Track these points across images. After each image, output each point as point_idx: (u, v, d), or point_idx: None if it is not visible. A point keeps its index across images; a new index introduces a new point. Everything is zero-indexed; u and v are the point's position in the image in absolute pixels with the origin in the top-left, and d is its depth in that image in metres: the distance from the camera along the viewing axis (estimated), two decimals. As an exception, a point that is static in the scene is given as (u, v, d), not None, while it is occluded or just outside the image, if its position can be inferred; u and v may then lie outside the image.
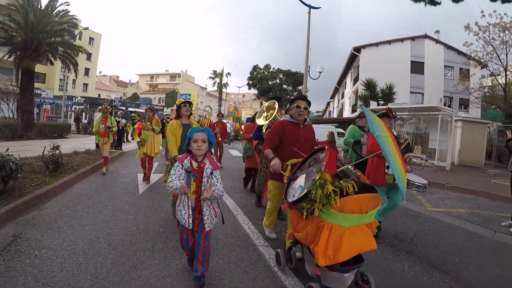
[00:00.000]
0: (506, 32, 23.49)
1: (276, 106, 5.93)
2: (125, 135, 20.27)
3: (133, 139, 26.03)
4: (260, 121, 6.12)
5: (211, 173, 3.25)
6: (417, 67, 33.92)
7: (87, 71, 54.84)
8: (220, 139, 11.89)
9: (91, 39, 55.37)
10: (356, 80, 34.98)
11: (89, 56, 52.87)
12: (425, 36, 35.03)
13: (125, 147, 17.66)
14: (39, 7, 18.21)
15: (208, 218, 3.24)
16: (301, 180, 3.41)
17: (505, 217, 6.87)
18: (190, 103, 5.98)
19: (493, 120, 20.38)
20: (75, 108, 40.37)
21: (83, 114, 35.19)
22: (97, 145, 13.54)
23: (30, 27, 17.30)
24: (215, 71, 61.35)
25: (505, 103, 23.57)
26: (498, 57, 24.30)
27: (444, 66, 34.73)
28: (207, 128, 3.29)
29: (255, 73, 55.37)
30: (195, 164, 3.26)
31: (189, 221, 3.16)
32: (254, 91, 57.80)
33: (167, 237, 4.79)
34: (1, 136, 16.31)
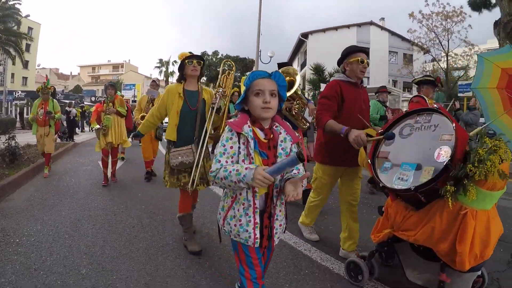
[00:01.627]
0: (448, 20, 25.13)
1: (298, 77, 4.60)
2: (77, 125, 19.68)
3: (89, 127, 25.04)
4: None
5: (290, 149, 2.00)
6: (363, 52, 34.97)
7: (26, 64, 51.72)
8: None
9: (30, 29, 51.97)
10: (303, 65, 35.60)
11: (28, 47, 49.62)
12: (371, 23, 36.44)
13: (78, 138, 16.98)
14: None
15: (280, 226, 2.02)
16: (401, 158, 2.52)
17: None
18: (201, 59, 3.82)
19: (435, 101, 21.60)
20: (16, 104, 38.27)
21: (25, 109, 33.55)
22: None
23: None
24: (161, 60, 60.26)
25: (446, 86, 25.08)
26: (440, 43, 26.06)
27: (389, 51, 36.47)
28: (277, 73, 1.97)
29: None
30: (260, 135, 1.93)
31: (255, 234, 1.87)
32: (203, 78, 57.47)
33: (152, 212, 4.89)
34: None
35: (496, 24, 10.97)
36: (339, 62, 3.55)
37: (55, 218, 4.49)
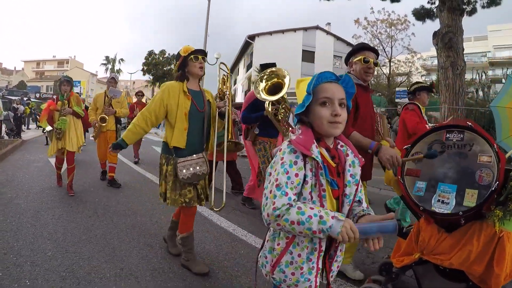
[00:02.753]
0: (393, 27, 26.56)
1: (287, 79, 4.44)
2: (24, 121, 19.28)
3: (36, 124, 24.26)
4: (262, 95, 4.49)
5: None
6: (308, 56, 36.56)
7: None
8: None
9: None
10: (249, 66, 36.49)
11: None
12: (317, 28, 37.72)
13: (25, 135, 16.74)
14: None
15: (337, 267, 1.70)
16: (435, 177, 2.38)
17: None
18: (204, 54, 3.35)
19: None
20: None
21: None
22: None
23: None
24: (107, 57, 59.03)
25: (388, 91, 26.62)
26: (384, 49, 27.42)
27: (334, 55, 37.88)
28: (346, 76, 1.58)
29: (150, 58, 54.24)
30: (329, 158, 1.54)
31: (316, 282, 1.55)
32: (148, 77, 56.58)
33: (105, 204, 5.41)
34: None
35: (435, 34, 11.62)
36: (346, 61, 3.25)
37: (15, 210, 4.83)
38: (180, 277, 3.12)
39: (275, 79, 4.55)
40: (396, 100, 17.70)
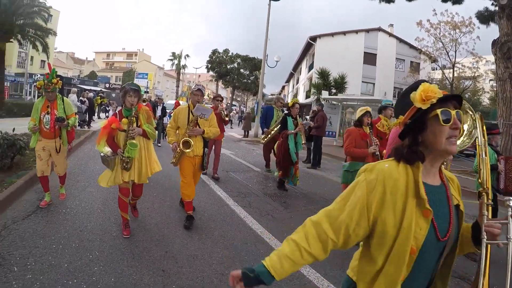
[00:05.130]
0: (456, 30, 25.42)
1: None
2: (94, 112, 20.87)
3: (105, 114, 25.82)
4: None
5: None
6: (369, 58, 36.07)
7: (43, 49, 53.30)
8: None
9: (49, 16, 53.84)
10: (311, 67, 36.58)
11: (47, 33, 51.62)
12: (379, 29, 37.16)
13: (95, 125, 17.88)
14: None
15: None
16: None
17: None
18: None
19: None
20: (35, 86, 39.82)
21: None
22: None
23: (2, 9, 17.64)
24: (174, 53, 61.67)
25: None
26: (447, 53, 26.36)
27: (396, 58, 37.08)
28: None
29: (214, 56, 56.43)
30: None
31: None
32: (211, 73, 58.76)
33: (161, 199, 6.26)
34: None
35: (494, 43, 11.09)
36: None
37: (88, 197, 5.99)
38: (207, 263, 4.00)
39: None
40: None
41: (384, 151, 5.02)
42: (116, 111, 4.67)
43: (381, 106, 6.14)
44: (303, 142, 7.91)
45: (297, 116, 7.81)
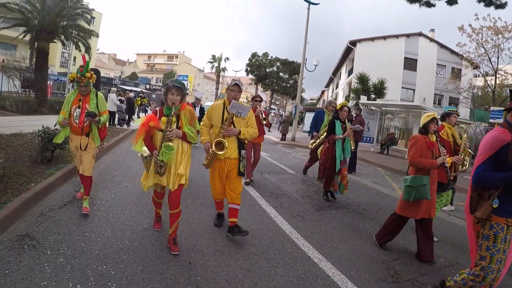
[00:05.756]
0: (499, 35, 24.42)
1: None
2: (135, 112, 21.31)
3: (145, 114, 26.65)
4: None
5: None
6: (410, 64, 35.26)
7: (86, 50, 55.16)
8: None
9: (92, 18, 55.78)
10: (350, 72, 36.17)
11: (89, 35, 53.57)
12: (420, 34, 36.24)
13: (135, 124, 18.28)
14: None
15: None
16: None
17: (461, 206, 8.34)
18: None
19: (480, 121, 21.46)
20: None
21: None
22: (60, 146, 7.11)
23: (47, 11, 18.37)
24: (214, 56, 62.56)
25: (493, 105, 24.73)
26: (489, 59, 25.37)
27: (437, 64, 36.09)
28: None
29: (253, 60, 56.81)
30: None
31: None
32: (251, 76, 59.23)
33: (194, 195, 6.47)
34: (17, 110, 17.62)
35: None
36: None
37: (123, 191, 6.16)
38: (234, 259, 4.03)
39: None
40: (490, 121, 16.48)
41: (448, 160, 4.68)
42: (157, 108, 4.27)
43: (445, 113, 5.80)
44: (352, 148, 7.21)
45: (346, 120, 7.14)
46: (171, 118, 3.96)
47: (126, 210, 5.21)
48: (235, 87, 4.63)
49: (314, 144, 9.15)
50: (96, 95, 5.13)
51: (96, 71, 5.89)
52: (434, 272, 4.36)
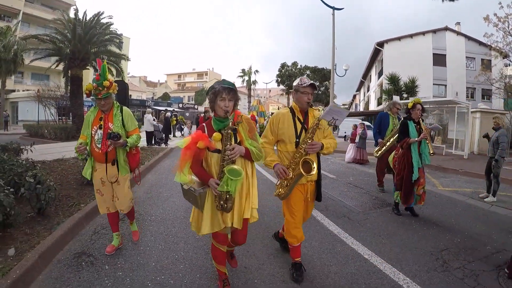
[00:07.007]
0: None
1: None
2: (171, 131, 21.75)
3: (181, 133, 26.02)
4: None
5: None
6: (439, 59, 34.63)
7: (118, 74, 56.77)
8: None
9: (120, 42, 57.47)
10: (380, 74, 36.07)
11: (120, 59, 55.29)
12: (446, 29, 35.60)
13: (172, 143, 18.89)
14: (85, 20, 20.09)
15: None
16: None
17: (503, 195, 8.21)
18: None
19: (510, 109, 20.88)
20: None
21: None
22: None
23: (78, 39, 19.14)
24: (243, 69, 63.31)
25: None
26: None
27: (466, 57, 35.16)
28: None
29: (283, 70, 57.28)
30: None
31: None
32: (281, 87, 59.54)
33: None
34: (56, 137, 18.44)
35: None
36: None
37: (171, 206, 6.38)
38: (287, 261, 4.10)
39: None
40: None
41: None
42: (203, 124, 3.19)
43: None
44: (431, 152, 6.14)
45: (420, 120, 6.17)
46: (228, 132, 2.97)
47: (177, 224, 5.41)
48: (309, 89, 3.58)
49: (380, 152, 8.16)
50: (121, 111, 4.15)
51: (122, 82, 4.89)
52: (482, 259, 4.38)
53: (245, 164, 3.11)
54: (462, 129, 16.39)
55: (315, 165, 3.43)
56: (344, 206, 6.79)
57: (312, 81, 3.58)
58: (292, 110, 3.71)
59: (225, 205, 2.92)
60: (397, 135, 6.85)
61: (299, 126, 3.60)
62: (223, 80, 3.13)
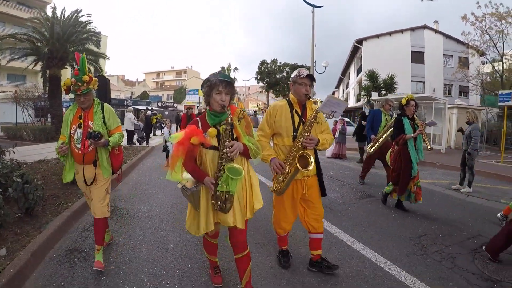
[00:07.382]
0: (502, 21, 24.48)
1: None
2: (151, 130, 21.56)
3: (161, 131, 24.59)
4: None
5: None
6: (417, 57, 35.49)
7: (96, 73, 55.66)
8: None
9: (98, 41, 56.61)
10: (359, 70, 36.71)
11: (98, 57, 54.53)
12: (425, 27, 36.41)
13: (152, 142, 18.99)
14: (63, 18, 19.72)
15: None
16: None
17: (478, 186, 8.56)
18: None
19: (491, 106, 21.49)
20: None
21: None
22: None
23: (56, 38, 18.73)
24: (222, 67, 63.00)
25: (502, 90, 24.59)
26: (495, 45, 25.37)
27: (444, 55, 36.16)
28: None
29: (262, 67, 57.18)
30: None
31: None
32: (261, 84, 59.51)
33: None
34: (35, 139, 18.16)
35: None
36: None
37: (157, 202, 6.48)
38: (275, 249, 4.28)
39: None
40: (499, 104, 16.33)
41: None
42: (197, 118, 3.04)
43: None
44: (428, 147, 6.40)
45: (414, 116, 6.25)
46: (227, 128, 2.79)
47: (164, 218, 5.52)
48: (307, 80, 3.48)
49: (373, 148, 8.09)
50: (102, 108, 3.85)
51: (102, 78, 4.62)
52: (458, 243, 4.68)
53: (242, 161, 2.96)
54: (440, 124, 16.80)
55: (312, 159, 3.31)
56: (326, 198, 6.86)
57: (310, 72, 3.51)
58: (290, 102, 3.59)
59: (224, 206, 2.76)
60: (389, 130, 7.18)
61: (296, 119, 3.49)
62: (220, 72, 2.99)
